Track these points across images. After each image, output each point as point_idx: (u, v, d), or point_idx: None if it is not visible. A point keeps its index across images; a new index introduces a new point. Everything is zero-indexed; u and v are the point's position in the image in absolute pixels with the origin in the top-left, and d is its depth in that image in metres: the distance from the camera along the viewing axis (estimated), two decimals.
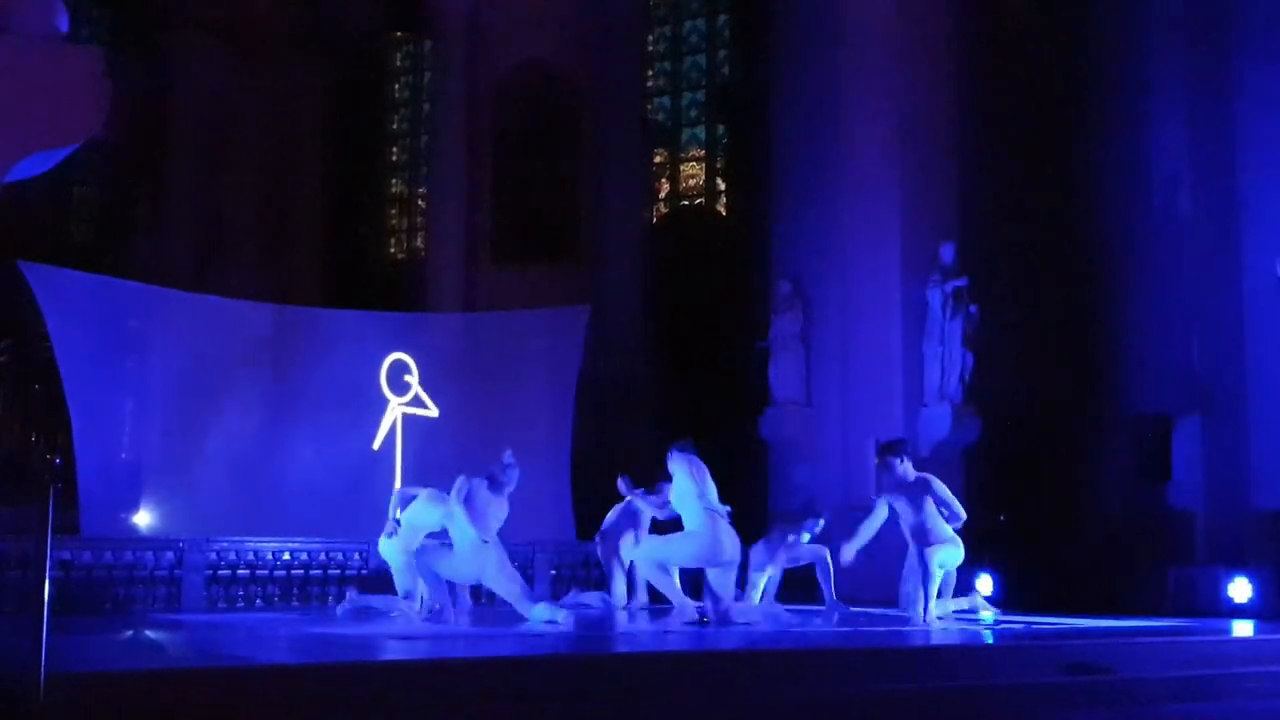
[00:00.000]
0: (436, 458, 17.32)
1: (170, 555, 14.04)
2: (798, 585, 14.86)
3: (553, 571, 15.65)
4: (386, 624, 12.26)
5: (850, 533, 13.47)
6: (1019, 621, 13.63)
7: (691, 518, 12.16)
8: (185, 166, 25.64)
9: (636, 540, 13.81)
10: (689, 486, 12.05)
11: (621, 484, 13.41)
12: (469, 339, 18.89)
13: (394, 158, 29.67)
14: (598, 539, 14.38)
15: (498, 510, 12.45)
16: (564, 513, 17.65)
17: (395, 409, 17.10)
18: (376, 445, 16.92)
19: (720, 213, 26.43)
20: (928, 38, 17.96)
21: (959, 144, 17.89)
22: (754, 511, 18.39)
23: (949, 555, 12.71)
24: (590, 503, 18.05)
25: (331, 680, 8.34)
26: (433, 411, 17.14)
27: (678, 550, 12.46)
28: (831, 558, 13.69)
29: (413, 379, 17.18)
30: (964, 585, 14.08)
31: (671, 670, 9.53)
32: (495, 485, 12.44)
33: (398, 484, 16.88)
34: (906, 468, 12.76)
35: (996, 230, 19.48)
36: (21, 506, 7.48)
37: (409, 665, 9.06)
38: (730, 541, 12.17)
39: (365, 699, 7.99)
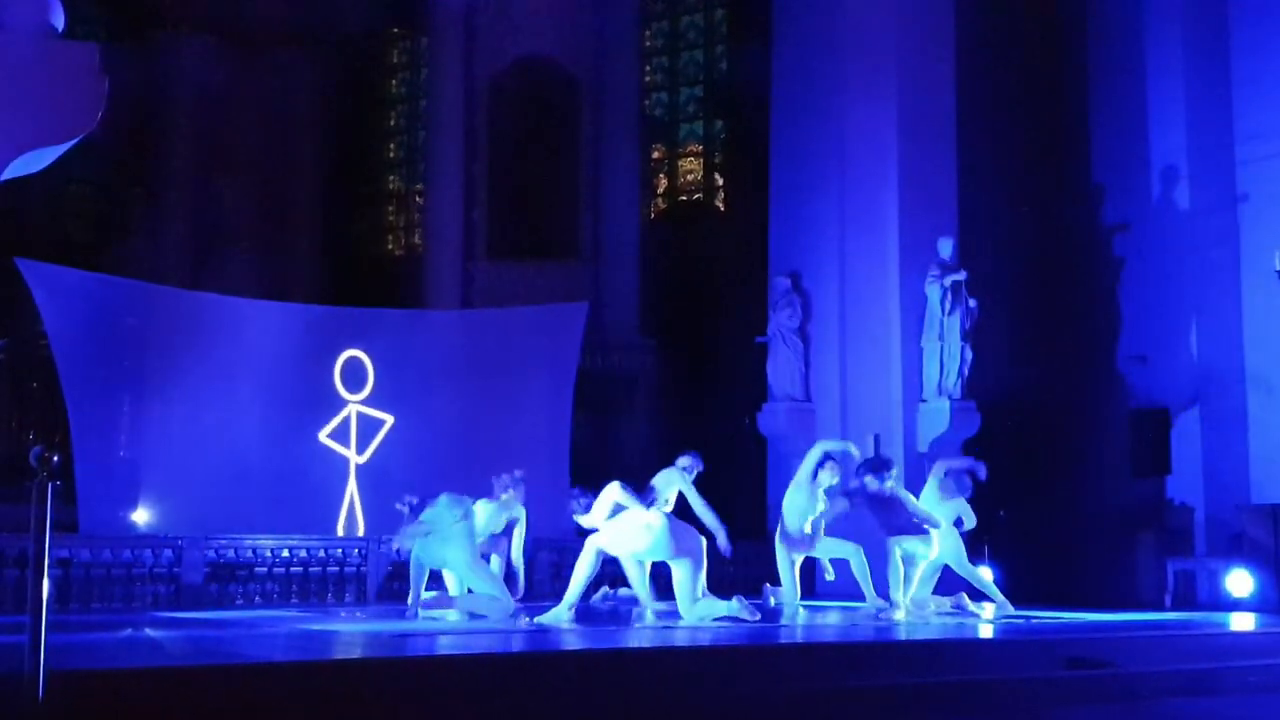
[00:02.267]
0: (436, 456, 17.36)
1: (169, 553, 14.03)
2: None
3: (552, 569, 15.64)
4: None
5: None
6: (1018, 616, 13.62)
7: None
8: (182, 163, 25.61)
9: None
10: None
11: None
12: (467, 336, 18.88)
13: (391, 154, 29.63)
14: None
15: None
16: (563, 509, 17.63)
17: (351, 408, 17.14)
18: (323, 435, 16.95)
19: (718, 208, 26.42)
20: (926, 31, 17.93)
21: (957, 138, 17.87)
22: (752, 507, 18.41)
23: (912, 546, 12.83)
24: (589, 499, 18.02)
25: (331, 678, 8.33)
26: (387, 418, 17.15)
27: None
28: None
29: (368, 377, 17.22)
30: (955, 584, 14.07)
31: (671, 666, 9.53)
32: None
33: (351, 483, 16.89)
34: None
35: (995, 224, 19.47)
36: (20, 504, 7.46)
37: (409, 662, 9.05)
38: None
39: (365, 697, 7.98)
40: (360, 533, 16.37)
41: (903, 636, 11.43)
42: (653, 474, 13.05)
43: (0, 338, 21.31)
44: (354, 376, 17.25)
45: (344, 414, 17.15)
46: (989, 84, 19.34)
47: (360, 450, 17.13)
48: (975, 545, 15.85)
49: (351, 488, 16.94)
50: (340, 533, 16.41)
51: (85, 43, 7.24)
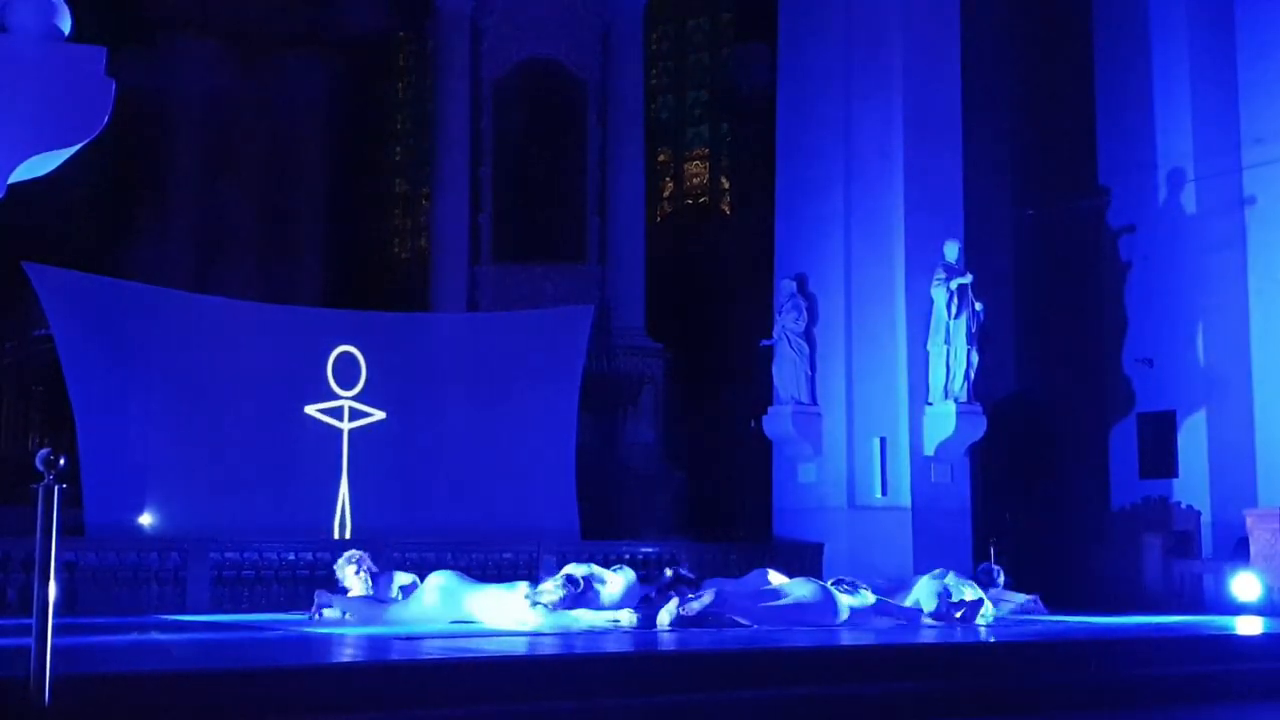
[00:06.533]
0: (441, 459, 17.35)
1: (175, 556, 14.02)
2: None
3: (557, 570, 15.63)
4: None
5: None
6: (1025, 619, 13.61)
7: None
8: (188, 167, 25.62)
9: None
10: None
11: None
12: (473, 338, 18.88)
13: (397, 157, 29.65)
14: None
15: None
16: (568, 510, 17.64)
17: (343, 404, 17.07)
18: (311, 409, 16.86)
19: (724, 211, 26.42)
20: (932, 33, 17.91)
21: (963, 141, 17.85)
22: (757, 510, 18.42)
23: None
24: (594, 500, 18.03)
25: (335, 682, 8.33)
26: (379, 414, 17.04)
27: None
28: None
29: (361, 374, 17.13)
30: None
31: (678, 668, 9.54)
32: None
33: (344, 487, 16.81)
34: None
35: (1001, 227, 19.45)
36: (27, 507, 7.46)
37: (411, 665, 9.05)
38: None
39: (369, 700, 7.98)
40: (348, 535, 16.33)
41: (907, 642, 11.41)
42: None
43: (7, 341, 21.32)
44: (347, 373, 17.15)
45: (336, 406, 17.05)
46: (995, 87, 19.33)
47: (354, 444, 16.99)
48: (982, 547, 15.84)
49: (343, 492, 16.88)
50: (336, 536, 16.37)
51: (92, 46, 7.25)
